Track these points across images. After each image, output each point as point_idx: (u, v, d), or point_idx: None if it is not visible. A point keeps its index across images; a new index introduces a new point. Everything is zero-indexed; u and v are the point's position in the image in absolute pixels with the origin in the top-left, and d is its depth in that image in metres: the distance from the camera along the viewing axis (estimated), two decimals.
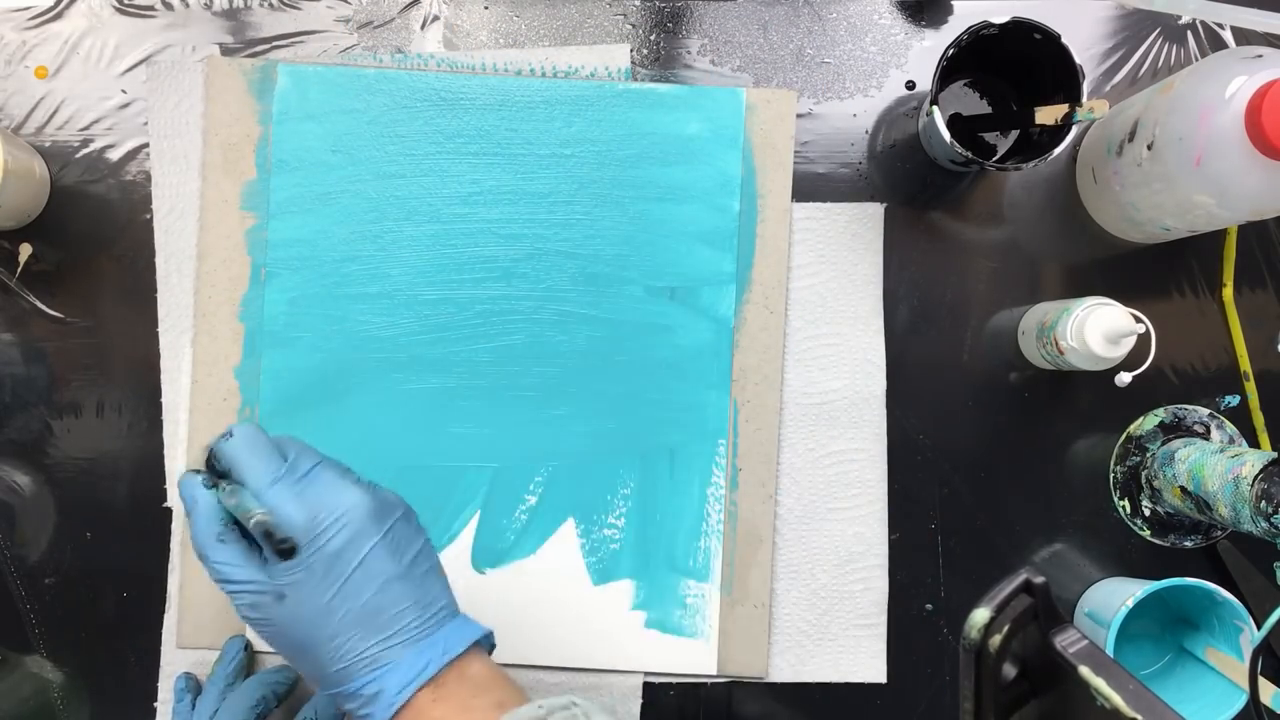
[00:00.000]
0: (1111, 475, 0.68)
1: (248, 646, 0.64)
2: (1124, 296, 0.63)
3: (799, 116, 0.68)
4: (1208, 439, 0.67)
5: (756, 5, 0.69)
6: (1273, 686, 0.62)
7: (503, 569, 0.66)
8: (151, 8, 0.68)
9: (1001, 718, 0.36)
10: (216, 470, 0.52)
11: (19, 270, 0.67)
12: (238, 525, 0.51)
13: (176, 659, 0.66)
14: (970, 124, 0.67)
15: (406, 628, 0.50)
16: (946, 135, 0.60)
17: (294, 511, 0.49)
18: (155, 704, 0.66)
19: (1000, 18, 0.60)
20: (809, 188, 0.68)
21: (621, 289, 0.67)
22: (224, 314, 0.66)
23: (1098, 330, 0.60)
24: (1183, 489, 0.64)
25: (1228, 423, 0.68)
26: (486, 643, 0.53)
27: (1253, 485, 0.58)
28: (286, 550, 0.49)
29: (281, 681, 0.62)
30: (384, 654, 0.49)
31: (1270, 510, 0.57)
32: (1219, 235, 0.68)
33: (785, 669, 0.67)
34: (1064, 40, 0.60)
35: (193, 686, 0.64)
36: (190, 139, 0.67)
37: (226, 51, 0.67)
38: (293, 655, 0.51)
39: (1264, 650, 0.57)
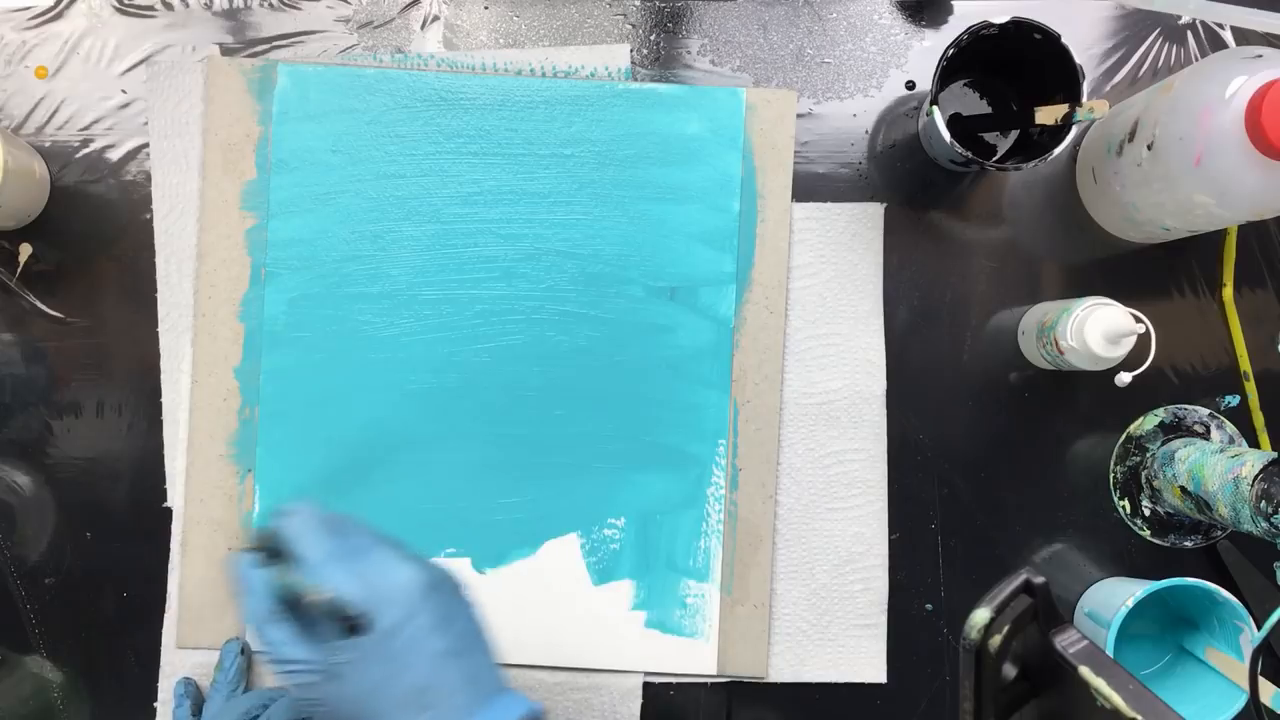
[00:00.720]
0: (1111, 475, 0.68)
1: (244, 649, 0.64)
2: (1124, 296, 0.63)
3: (799, 116, 0.68)
4: (1208, 439, 0.67)
5: (756, 5, 0.69)
6: (1273, 686, 0.62)
7: (503, 569, 0.66)
8: (151, 8, 0.68)
9: (1001, 718, 0.36)
10: (268, 549, 0.52)
11: (19, 270, 0.67)
12: (286, 604, 0.51)
13: (176, 659, 0.66)
14: (970, 124, 0.67)
15: (455, 706, 0.49)
16: (946, 135, 0.60)
17: (350, 590, 0.49)
18: (155, 704, 0.66)
19: (1000, 18, 0.60)
20: (809, 188, 0.68)
21: (621, 289, 0.67)
22: (224, 314, 0.66)
23: (1098, 330, 0.60)
24: (1183, 489, 0.64)
25: (1228, 423, 0.68)
26: (532, 716, 0.51)
27: (1253, 485, 0.58)
28: (360, 625, 0.48)
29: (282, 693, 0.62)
30: None
31: (1270, 510, 0.57)
32: (1219, 235, 0.68)
33: (785, 669, 0.67)
34: (1064, 40, 0.60)
35: (192, 692, 0.64)
36: (190, 139, 0.67)
37: (226, 51, 0.67)
38: None
39: (1264, 650, 0.57)
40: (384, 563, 0.50)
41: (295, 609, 0.51)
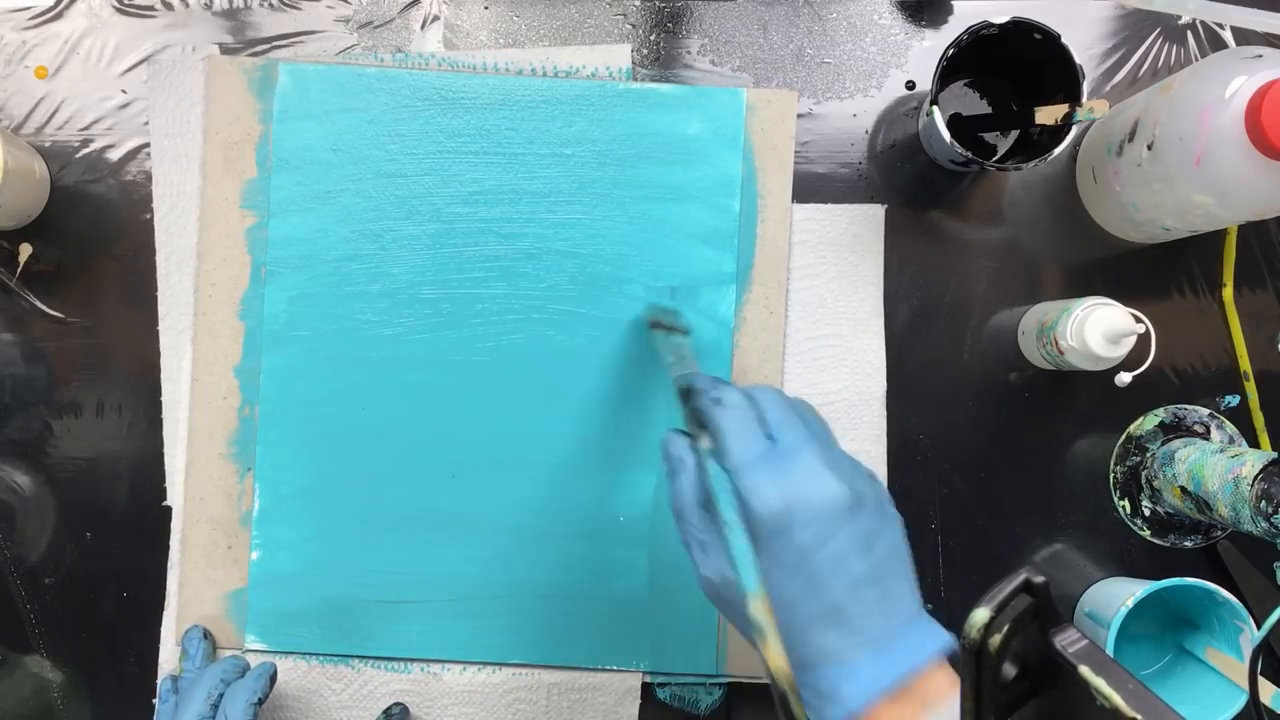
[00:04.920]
0: (1111, 475, 0.68)
1: (206, 634, 0.64)
2: (1124, 296, 0.63)
3: (799, 116, 0.68)
4: (1208, 439, 0.67)
5: (756, 5, 0.69)
6: (1273, 686, 0.62)
7: (503, 568, 0.66)
8: (151, 8, 0.68)
9: (1001, 718, 0.36)
10: (699, 420, 0.51)
11: (19, 270, 0.67)
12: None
13: (176, 658, 0.66)
14: (970, 124, 0.67)
15: (870, 628, 0.47)
16: (946, 135, 0.60)
17: (771, 497, 0.47)
18: (155, 702, 0.66)
19: (1000, 18, 0.60)
20: (809, 188, 0.68)
21: (621, 289, 0.67)
22: (224, 313, 0.66)
23: (1098, 330, 0.60)
24: (1183, 489, 0.64)
25: (1228, 423, 0.68)
26: (948, 651, 0.48)
27: (1253, 485, 0.58)
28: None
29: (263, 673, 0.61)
30: (844, 652, 0.47)
31: (1270, 510, 0.57)
32: (1219, 235, 0.68)
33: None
34: (1064, 40, 0.60)
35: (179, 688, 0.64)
36: (191, 138, 0.67)
37: (226, 51, 0.67)
38: (759, 631, 0.49)
39: (1264, 650, 0.57)
40: (808, 473, 0.48)
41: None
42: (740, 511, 0.47)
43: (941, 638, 0.48)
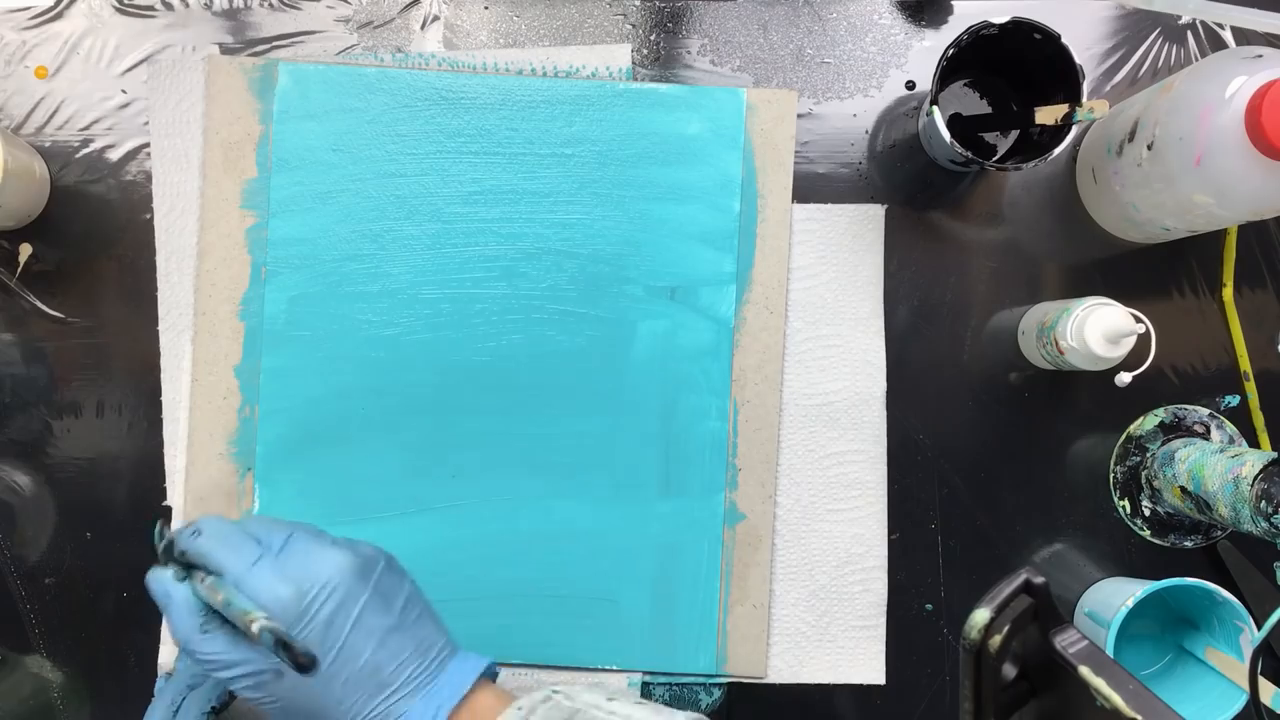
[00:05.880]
0: (1111, 475, 0.68)
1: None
2: (1124, 296, 0.63)
3: (799, 116, 0.68)
4: (1208, 439, 0.67)
5: (756, 5, 0.69)
6: (1273, 686, 0.62)
7: (503, 568, 0.66)
8: (151, 8, 0.68)
9: (1001, 718, 0.36)
10: (184, 561, 0.51)
11: (19, 270, 0.67)
12: (214, 611, 0.50)
13: (174, 659, 0.66)
14: (970, 124, 0.67)
15: (410, 678, 0.50)
16: (946, 135, 0.60)
17: (280, 590, 0.48)
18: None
19: (1000, 18, 0.60)
20: (809, 188, 0.68)
21: (621, 289, 0.67)
22: (224, 313, 0.66)
23: (1098, 330, 0.60)
24: (1183, 489, 0.64)
25: (1228, 423, 0.68)
26: (489, 673, 0.52)
27: (1253, 485, 0.58)
28: (306, 665, 0.47)
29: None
30: (393, 708, 0.49)
31: (1270, 510, 0.57)
32: (1219, 235, 0.68)
33: (784, 670, 0.67)
34: (1064, 40, 0.60)
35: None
36: (191, 138, 0.67)
37: (226, 51, 0.67)
38: (305, 716, 0.50)
39: (1264, 650, 0.57)
40: (308, 554, 0.50)
41: (223, 615, 0.49)
42: (280, 640, 0.47)
43: (477, 663, 0.51)
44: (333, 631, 0.49)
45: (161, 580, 0.51)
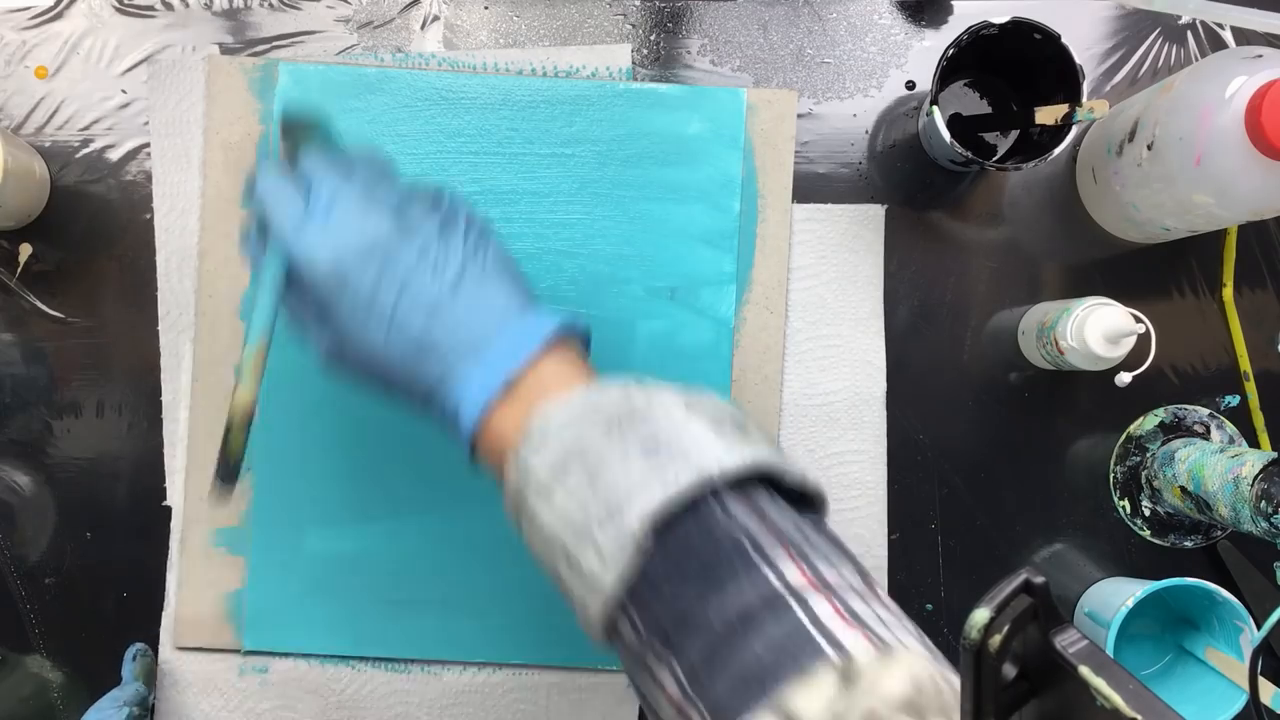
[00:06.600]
0: (1111, 475, 0.68)
1: (142, 654, 0.65)
2: (1124, 296, 0.63)
3: (799, 116, 0.68)
4: (1208, 439, 0.67)
5: (756, 5, 0.69)
6: (1273, 686, 0.62)
7: (502, 568, 0.66)
8: (151, 8, 0.68)
9: (1001, 718, 0.36)
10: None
11: (19, 270, 0.67)
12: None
13: (175, 659, 0.66)
14: (970, 124, 0.67)
15: (463, 340, 0.47)
16: (946, 135, 0.60)
17: (316, 256, 0.48)
18: (154, 702, 0.66)
19: (1000, 18, 0.60)
20: (809, 188, 0.68)
21: (622, 289, 0.67)
22: (224, 312, 0.66)
23: (1098, 330, 0.60)
24: (1183, 489, 0.64)
25: (1228, 423, 0.68)
26: (566, 331, 0.49)
27: (1253, 485, 0.58)
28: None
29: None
30: (448, 373, 0.47)
31: (1270, 510, 0.57)
32: (1219, 235, 0.68)
33: None
34: (1064, 40, 0.60)
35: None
36: (191, 138, 0.67)
37: (226, 51, 0.67)
38: (385, 387, 0.50)
39: (1264, 650, 0.57)
40: (350, 218, 0.48)
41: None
42: (283, 276, 0.48)
43: (546, 324, 0.48)
44: (376, 305, 0.47)
45: (252, 245, 0.52)
